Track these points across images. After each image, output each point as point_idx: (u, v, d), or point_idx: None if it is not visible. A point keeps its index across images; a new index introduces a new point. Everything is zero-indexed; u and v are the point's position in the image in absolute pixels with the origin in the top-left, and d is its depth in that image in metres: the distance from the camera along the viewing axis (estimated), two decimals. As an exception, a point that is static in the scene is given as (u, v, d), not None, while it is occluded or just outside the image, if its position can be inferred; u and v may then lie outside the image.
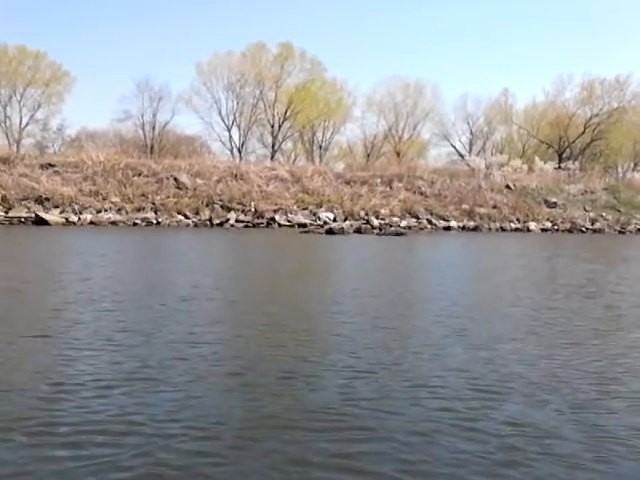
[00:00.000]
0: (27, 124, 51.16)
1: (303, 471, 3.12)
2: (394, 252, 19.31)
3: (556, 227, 38.50)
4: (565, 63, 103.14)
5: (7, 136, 49.96)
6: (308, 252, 18.59)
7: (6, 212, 29.42)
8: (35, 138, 53.36)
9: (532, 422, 3.83)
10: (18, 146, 50.14)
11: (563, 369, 5.05)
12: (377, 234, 27.57)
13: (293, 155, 59.19)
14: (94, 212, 30.99)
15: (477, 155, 58.00)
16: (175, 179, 34.63)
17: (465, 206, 38.34)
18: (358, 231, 28.47)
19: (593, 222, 39.76)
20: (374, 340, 6.02)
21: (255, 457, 3.26)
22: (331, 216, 34.19)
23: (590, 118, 55.32)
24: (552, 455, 3.36)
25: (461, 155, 62.15)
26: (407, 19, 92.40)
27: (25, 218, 29.30)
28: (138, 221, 31.24)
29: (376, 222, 34.25)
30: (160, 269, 12.54)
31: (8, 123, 50.40)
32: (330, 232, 26.21)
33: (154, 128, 49.97)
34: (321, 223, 32.43)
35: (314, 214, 34.64)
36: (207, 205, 33.40)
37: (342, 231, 26.39)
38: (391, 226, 34.52)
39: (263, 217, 33.64)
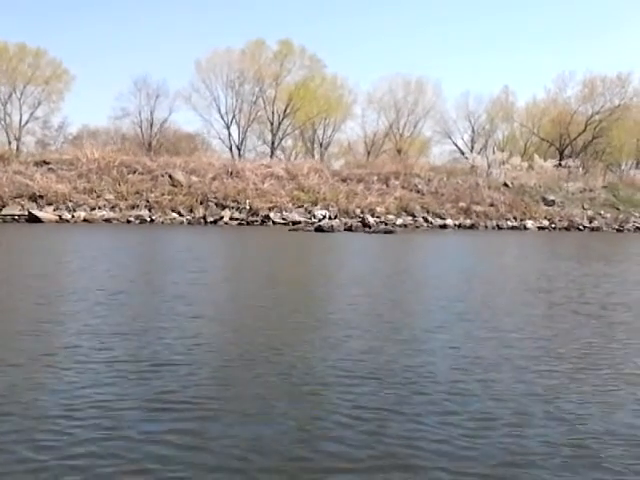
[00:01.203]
0: (27, 122, 51.29)
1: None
2: (371, 251, 19.22)
3: (553, 225, 38.30)
4: (565, 60, 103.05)
5: (7, 134, 50.11)
6: (285, 250, 18.52)
7: (-1, 210, 29.55)
8: (36, 136, 53.51)
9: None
10: (18, 144, 50.36)
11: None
12: (366, 232, 27.48)
13: (294, 153, 59.20)
14: (88, 210, 31.06)
15: (479, 153, 57.91)
16: (170, 176, 34.65)
17: (462, 204, 38.17)
18: (349, 229, 28.36)
19: (591, 220, 39.54)
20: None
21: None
22: (326, 214, 34.15)
23: (591, 115, 54.98)
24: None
25: (463, 153, 62.00)
26: (408, 16, 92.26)
27: (19, 216, 29.41)
28: (132, 219, 31.30)
29: (371, 220, 34.08)
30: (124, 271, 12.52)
31: (8, 121, 50.57)
32: (320, 230, 26.13)
33: (152, 125, 49.96)
34: (315, 221, 32.37)
35: (309, 212, 34.60)
36: (201, 203, 33.40)
37: (332, 229, 26.29)
38: (386, 224, 34.43)
39: (258, 215, 33.63)
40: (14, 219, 29.27)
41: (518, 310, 8.15)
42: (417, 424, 3.72)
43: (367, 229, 28.33)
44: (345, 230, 27.96)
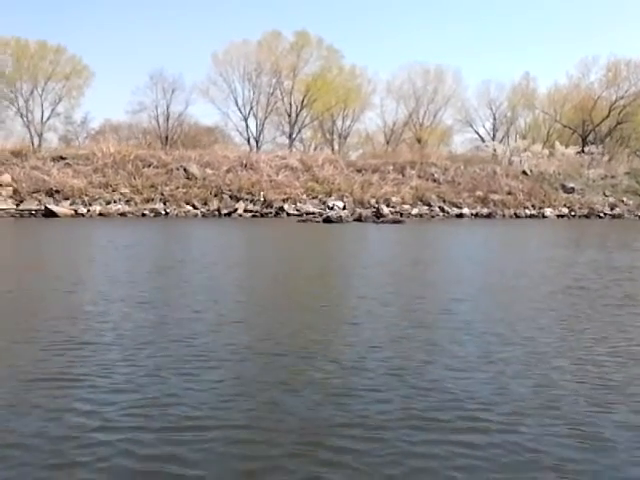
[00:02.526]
0: (49, 118, 52.00)
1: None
2: (367, 241, 19.12)
3: (573, 213, 37.64)
4: (587, 46, 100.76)
5: (29, 129, 50.90)
6: (285, 241, 18.53)
7: (17, 205, 30.04)
8: (58, 132, 54.25)
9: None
10: (40, 139, 51.15)
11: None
12: (374, 222, 27.32)
13: (313, 144, 59.06)
14: (103, 204, 31.41)
15: (500, 141, 57.16)
16: (185, 170, 34.85)
17: (479, 193, 37.73)
18: (359, 219, 28.21)
19: (612, 207, 38.77)
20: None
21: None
22: (340, 205, 34.01)
23: (615, 101, 53.69)
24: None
25: (484, 141, 61.20)
26: (427, 5, 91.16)
27: (35, 210, 29.85)
28: (146, 212, 31.57)
29: (386, 210, 33.87)
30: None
31: (30, 117, 51.35)
32: (328, 221, 26.06)
33: (168, 119, 50.28)
34: (346, 213, 32.13)
35: (323, 203, 34.51)
36: (216, 195, 33.55)
37: (340, 220, 26.19)
38: (401, 214, 34.27)
39: (272, 207, 33.64)
40: (31, 214, 29.72)
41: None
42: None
43: (375, 219, 28.13)
44: (355, 221, 27.82)
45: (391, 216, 29.50)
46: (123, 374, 4.49)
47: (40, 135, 51.38)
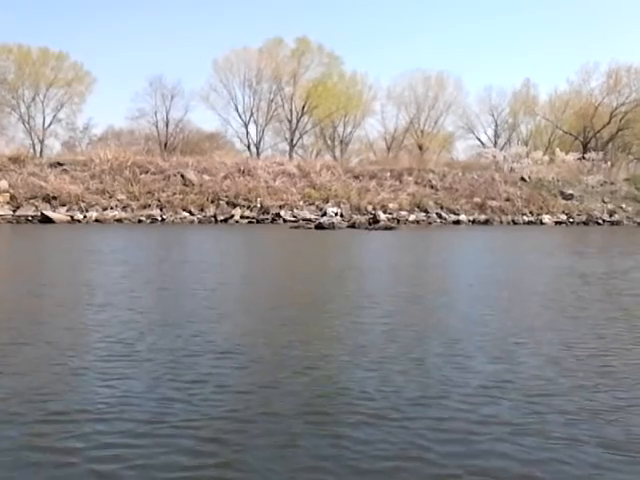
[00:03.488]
0: (50, 124, 52.33)
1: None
2: (351, 248, 19.12)
3: (571, 220, 37.52)
4: (588, 51, 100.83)
5: (31, 136, 51.25)
6: (270, 248, 18.55)
7: (14, 211, 30.18)
8: (59, 138, 54.52)
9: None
10: (42, 146, 51.49)
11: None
12: (366, 228, 27.31)
13: (315, 150, 59.14)
14: (100, 210, 31.52)
15: (502, 148, 57.08)
16: (182, 176, 34.95)
17: (477, 199, 37.67)
18: (352, 226, 28.22)
19: (611, 214, 38.61)
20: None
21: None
22: (337, 211, 34.01)
23: (616, 107, 53.59)
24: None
25: (486, 148, 61.15)
26: (428, 12, 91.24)
27: (32, 216, 29.98)
28: (143, 218, 31.66)
29: (383, 216, 33.92)
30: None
31: (32, 123, 51.67)
32: (320, 227, 26.08)
33: (167, 125, 50.54)
34: (338, 219, 32.13)
35: (320, 209, 34.52)
36: (212, 201, 33.62)
37: (332, 226, 26.21)
38: (398, 220, 34.31)
39: (268, 213, 33.68)
40: (28, 220, 29.85)
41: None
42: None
43: (368, 226, 28.12)
44: (348, 227, 27.83)
45: (384, 223, 29.46)
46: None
47: (42, 141, 51.74)
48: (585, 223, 37.26)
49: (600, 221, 37.65)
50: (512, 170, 43.64)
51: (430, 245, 20.98)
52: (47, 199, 31.10)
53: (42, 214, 29.65)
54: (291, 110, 53.58)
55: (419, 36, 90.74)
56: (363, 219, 31.14)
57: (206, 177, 35.32)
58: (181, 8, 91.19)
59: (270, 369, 4.88)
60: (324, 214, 32.82)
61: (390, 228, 26.75)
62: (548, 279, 11.46)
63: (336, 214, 32.62)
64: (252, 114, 53.22)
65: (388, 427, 3.68)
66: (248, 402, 4.12)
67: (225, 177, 35.51)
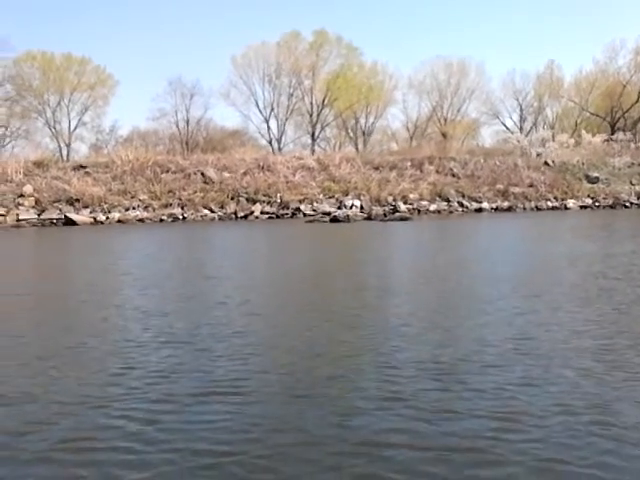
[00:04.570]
0: (76, 127, 53.20)
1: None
2: (362, 240, 19.05)
3: (597, 203, 36.79)
4: (611, 29, 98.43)
5: (57, 140, 52.19)
6: (272, 244, 18.60)
7: (39, 214, 30.79)
8: (85, 141, 55.39)
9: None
10: (68, 149, 52.41)
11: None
12: (381, 220, 27.16)
13: (338, 143, 59.00)
14: (122, 210, 31.97)
15: (527, 133, 56.15)
16: (202, 174, 35.22)
17: (499, 186, 37.17)
18: (368, 218, 28.12)
19: (639, 196, 37.69)
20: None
21: None
22: (357, 203, 33.90)
23: (644, 85, 52.25)
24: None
25: (513, 133, 60.27)
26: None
27: (56, 219, 30.56)
28: (164, 217, 32.01)
29: (403, 207, 33.75)
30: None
31: (58, 128, 52.61)
32: (335, 220, 26.03)
33: (187, 124, 50.99)
34: (354, 211, 32.06)
35: (340, 202, 34.43)
36: (232, 198, 33.80)
37: (347, 219, 26.14)
38: (419, 211, 34.15)
39: (288, 208, 33.73)
40: (52, 223, 30.44)
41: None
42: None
43: (383, 218, 27.95)
44: (365, 219, 27.74)
45: (399, 214, 29.24)
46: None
47: (68, 145, 52.65)
48: (612, 207, 36.48)
49: (627, 204, 36.81)
50: (539, 155, 42.97)
51: (435, 236, 20.78)
52: (70, 202, 31.63)
53: (66, 217, 30.20)
54: (311, 103, 53.52)
55: (439, 23, 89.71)
56: (380, 211, 30.99)
57: (226, 174, 35.52)
58: (197, 7, 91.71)
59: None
60: (350, 207, 32.75)
61: (405, 219, 26.57)
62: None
63: (353, 206, 32.52)
64: (272, 109, 53.35)
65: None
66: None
67: (245, 173, 35.66)
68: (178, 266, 12.81)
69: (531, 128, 60.24)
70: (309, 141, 54.89)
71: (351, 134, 58.63)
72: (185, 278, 10.93)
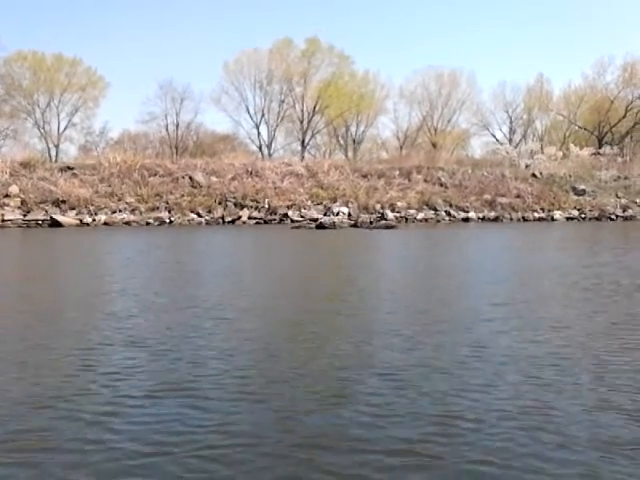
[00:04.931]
0: (65, 128, 53.05)
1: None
2: (337, 247, 19.12)
3: (583, 215, 37.03)
4: (600, 45, 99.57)
5: (46, 141, 52.00)
6: (253, 249, 18.64)
7: (24, 215, 30.63)
8: (74, 142, 55.21)
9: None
10: (57, 150, 52.23)
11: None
12: (366, 227, 27.26)
13: (328, 150, 59.14)
14: (109, 213, 31.88)
15: (517, 145, 56.45)
16: (190, 178, 35.21)
17: (486, 196, 37.36)
18: (354, 225, 28.21)
19: (625, 209, 38.02)
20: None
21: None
22: (345, 210, 33.96)
23: (632, 101, 52.76)
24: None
25: (502, 144, 60.64)
26: (439, 9, 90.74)
27: (42, 220, 30.40)
28: (151, 221, 31.93)
29: (390, 215, 33.88)
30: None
31: (47, 128, 52.44)
32: (320, 227, 26.10)
33: (177, 128, 51.02)
34: (340, 218, 32.10)
35: (328, 209, 34.48)
36: (220, 203, 33.79)
37: (333, 225, 26.22)
38: (406, 219, 34.32)
39: (276, 213, 33.74)
40: (38, 224, 30.29)
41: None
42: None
43: (369, 225, 28.05)
44: (351, 226, 27.82)
45: (384, 222, 29.35)
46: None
47: (57, 146, 52.47)
48: (598, 219, 36.76)
49: (613, 216, 37.10)
50: (527, 167, 43.25)
51: (416, 244, 20.87)
52: (57, 203, 31.51)
53: (51, 218, 30.07)
54: (302, 110, 53.69)
55: (431, 34, 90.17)
56: (366, 218, 31.10)
57: (214, 179, 35.52)
58: (190, 11, 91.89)
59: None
60: (331, 213, 32.80)
61: (391, 227, 26.67)
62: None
63: (338, 213, 32.55)
64: (263, 115, 53.47)
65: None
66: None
67: (233, 178, 35.67)
68: (154, 270, 12.80)
69: (520, 140, 60.62)
70: (299, 148, 55.04)
71: (342, 142, 58.85)
72: (159, 282, 10.93)
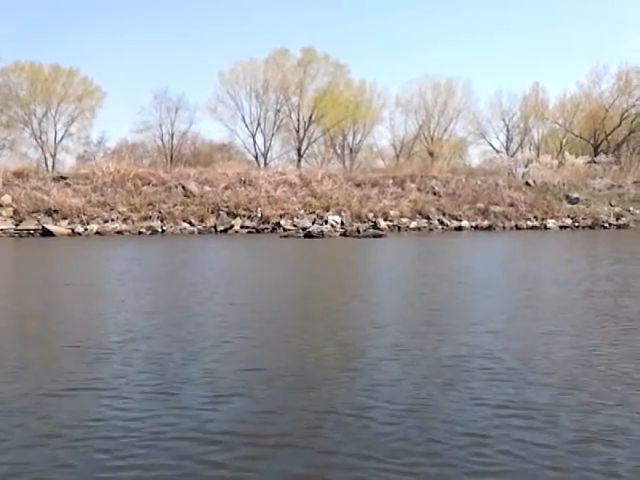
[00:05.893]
0: (62, 138, 53.26)
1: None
2: (321, 256, 19.13)
3: (576, 224, 37.05)
4: (595, 54, 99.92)
5: (43, 150, 52.18)
6: (231, 259, 18.65)
7: (16, 225, 30.68)
8: (70, 152, 55.35)
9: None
10: (54, 160, 52.40)
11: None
12: (354, 236, 27.27)
13: (326, 159, 59.24)
14: (101, 222, 31.92)
15: (513, 154, 56.53)
16: (183, 187, 35.28)
17: (480, 205, 37.41)
18: (344, 234, 28.23)
19: (618, 217, 38.05)
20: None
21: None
22: (338, 219, 34.00)
23: (627, 109, 52.89)
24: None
25: (498, 153, 60.75)
26: (436, 18, 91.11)
27: (34, 230, 30.44)
28: (143, 230, 31.98)
29: (383, 224, 33.92)
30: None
31: (44, 138, 52.63)
32: (309, 236, 26.10)
33: (172, 137, 51.23)
34: (328, 227, 32.19)
35: (321, 218, 34.51)
36: (213, 212, 33.84)
37: (322, 234, 26.22)
38: (399, 228, 34.38)
39: (269, 222, 33.78)
40: (30, 233, 30.32)
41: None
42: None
43: (357, 234, 28.06)
44: (341, 235, 27.83)
45: (372, 231, 29.37)
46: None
47: (53, 156, 52.65)
48: (591, 227, 36.78)
49: (606, 225, 37.10)
50: (524, 175, 43.29)
51: (400, 252, 20.88)
52: (49, 213, 31.57)
53: (43, 228, 30.12)
54: (298, 120, 53.89)
55: (427, 43, 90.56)
56: (358, 227, 31.14)
57: (207, 188, 35.60)
58: (186, 21, 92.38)
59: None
60: (324, 222, 32.84)
61: (379, 236, 26.67)
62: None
63: (327, 221, 32.60)
64: (259, 124, 53.74)
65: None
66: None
67: (226, 187, 35.74)
68: (131, 277, 12.80)
69: (517, 149, 60.73)
70: (295, 157, 55.22)
71: (338, 151, 59.00)
72: (130, 289, 10.93)
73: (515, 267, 14.57)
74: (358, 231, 29.13)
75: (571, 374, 4.90)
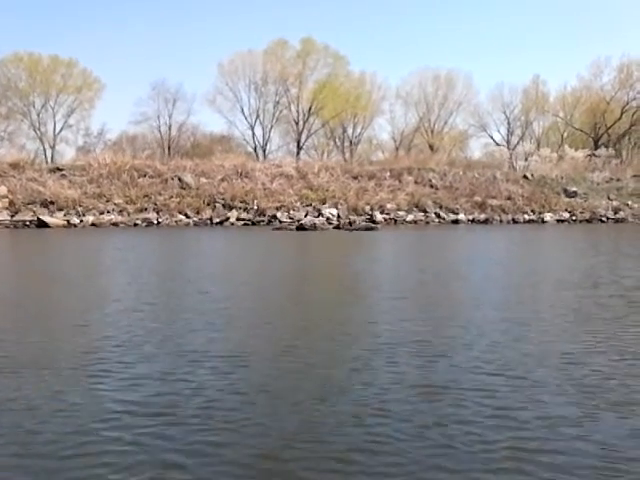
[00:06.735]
0: (61, 130, 53.23)
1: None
2: (303, 249, 19.09)
3: (574, 218, 36.90)
4: (596, 47, 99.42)
5: (42, 142, 52.16)
6: (218, 252, 18.61)
7: (12, 216, 30.71)
8: (70, 143, 55.34)
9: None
10: (53, 152, 52.39)
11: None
12: (347, 229, 27.22)
13: (325, 152, 59.09)
14: (97, 214, 31.92)
15: (514, 147, 56.33)
16: (179, 179, 35.24)
17: (477, 198, 37.28)
18: (337, 227, 28.18)
19: (616, 211, 37.87)
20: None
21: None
22: (334, 212, 33.96)
23: (627, 102, 52.58)
24: None
25: (499, 145, 60.56)
26: (436, 10, 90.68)
27: (30, 221, 30.48)
28: (139, 222, 31.98)
29: (379, 217, 33.89)
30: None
31: (43, 130, 52.60)
32: (301, 228, 26.06)
33: (170, 129, 51.14)
34: (322, 220, 32.18)
35: (318, 210, 34.46)
36: (208, 204, 33.81)
37: (314, 227, 26.19)
38: (395, 221, 34.32)
39: (265, 215, 33.73)
40: (25, 225, 30.37)
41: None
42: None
43: (349, 227, 28.01)
44: (334, 228, 27.79)
45: (364, 224, 29.30)
46: None
47: (52, 147, 52.64)
48: (589, 221, 36.63)
49: (604, 219, 36.94)
50: (525, 168, 43.17)
51: (380, 245, 20.80)
52: (45, 204, 31.58)
53: (38, 219, 30.15)
54: (297, 111, 53.71)
55: (428, 35, 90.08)
56: (354, 220, 31.08)
57: (203, 180, 35.55)
58: (184, 12, 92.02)
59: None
60: (320, 215, 32.81)
61: (371, 229, 26.63)
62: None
63: (322, 214, 32.56)
64: (258, 116, 53.57)
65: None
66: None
67: (222, 180, 35.68)
68: (117, 270, 12.80)
69: (518, 141, 60.46)
70: (295, 149, 55.08)
71: (338, 143, 58.85)
72: (114, 283, 10.92)
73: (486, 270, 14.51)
74: (350, 224, 29.06)
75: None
